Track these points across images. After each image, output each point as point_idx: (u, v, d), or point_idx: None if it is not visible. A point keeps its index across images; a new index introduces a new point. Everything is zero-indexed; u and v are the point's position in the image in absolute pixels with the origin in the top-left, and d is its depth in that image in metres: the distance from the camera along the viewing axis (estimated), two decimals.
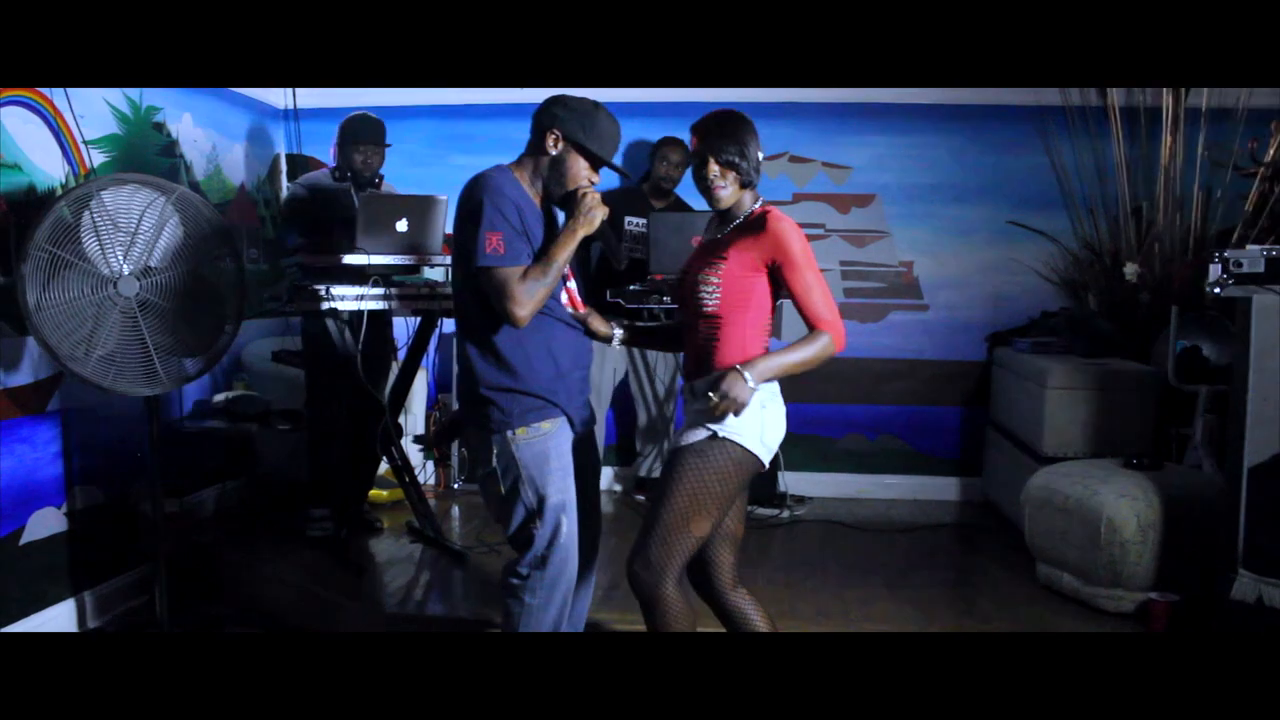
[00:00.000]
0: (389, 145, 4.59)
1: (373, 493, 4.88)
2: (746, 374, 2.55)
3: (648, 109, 5.30)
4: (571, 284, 2.90)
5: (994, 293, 5.58)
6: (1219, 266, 3.31)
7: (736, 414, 2.56)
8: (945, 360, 5.64)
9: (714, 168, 2.66)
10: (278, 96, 5.60)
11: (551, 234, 2.81)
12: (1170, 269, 5.07)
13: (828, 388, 5.59)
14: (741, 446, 2.60)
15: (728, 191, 2.68)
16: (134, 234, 3.24)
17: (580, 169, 2.77)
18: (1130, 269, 5.15)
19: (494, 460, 2.76)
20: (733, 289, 2.64)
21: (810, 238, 5.80)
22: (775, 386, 2.68)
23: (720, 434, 2.60)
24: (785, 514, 5.14)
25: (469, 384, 2.79)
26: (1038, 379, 4.65)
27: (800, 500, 5.32)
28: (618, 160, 2.91)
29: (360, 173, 4.50)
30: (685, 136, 5.12)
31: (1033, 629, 3.58)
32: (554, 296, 2.77)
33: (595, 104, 2.78)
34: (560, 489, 2.75)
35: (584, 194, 2.76)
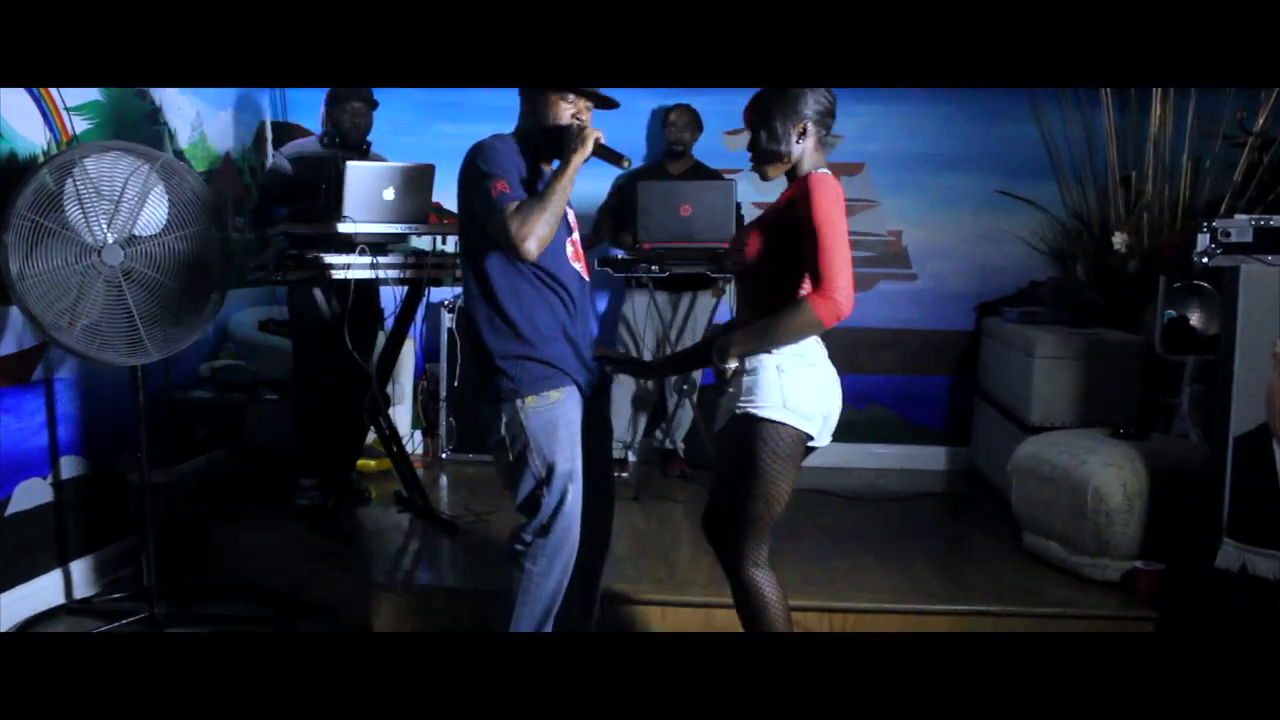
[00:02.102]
0: (377, 104, 4.56)
1: (360, 462, 4.88)
2: (714, 351, 2.63)
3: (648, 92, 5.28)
4: (575, 235, 2.90)
5: (982, 262, 5.58)
6: (1207, 236, 3.31)
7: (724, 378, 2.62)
8: (933, 330, 5.65)
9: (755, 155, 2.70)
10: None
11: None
12: (1158, 239, 5.07)
13: None
14: (765, 419, 2.57)
15: (765, 169, 2.70)
16: (118, 202, 3.22)
17: (561, 108, 2.76)
18: (1119, 238, 5.15)
19: (502, 429, 2.77)
20: (777, 253, 2.63)
21: None
22: (800, 348, 2.62)
23: (737, 412, 2.60)
24: None
25: (478, 354, 2.80)
26: (1026, 348, 4.66)
27: None
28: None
29: (349, 134, 4.47)
30: (692, 99, 5.18)
31: (1018, 599, 3.60)
32: (560, 251, 2.78)
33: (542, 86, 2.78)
34: (569, 457, 2.75)
35: (573, 125, 2.75)
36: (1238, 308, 3.32)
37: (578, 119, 2.78)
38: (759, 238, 2.67)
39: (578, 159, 2.69)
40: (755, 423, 2.57)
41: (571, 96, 2.77)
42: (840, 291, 2.51)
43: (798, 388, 2.59)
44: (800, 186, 2.58)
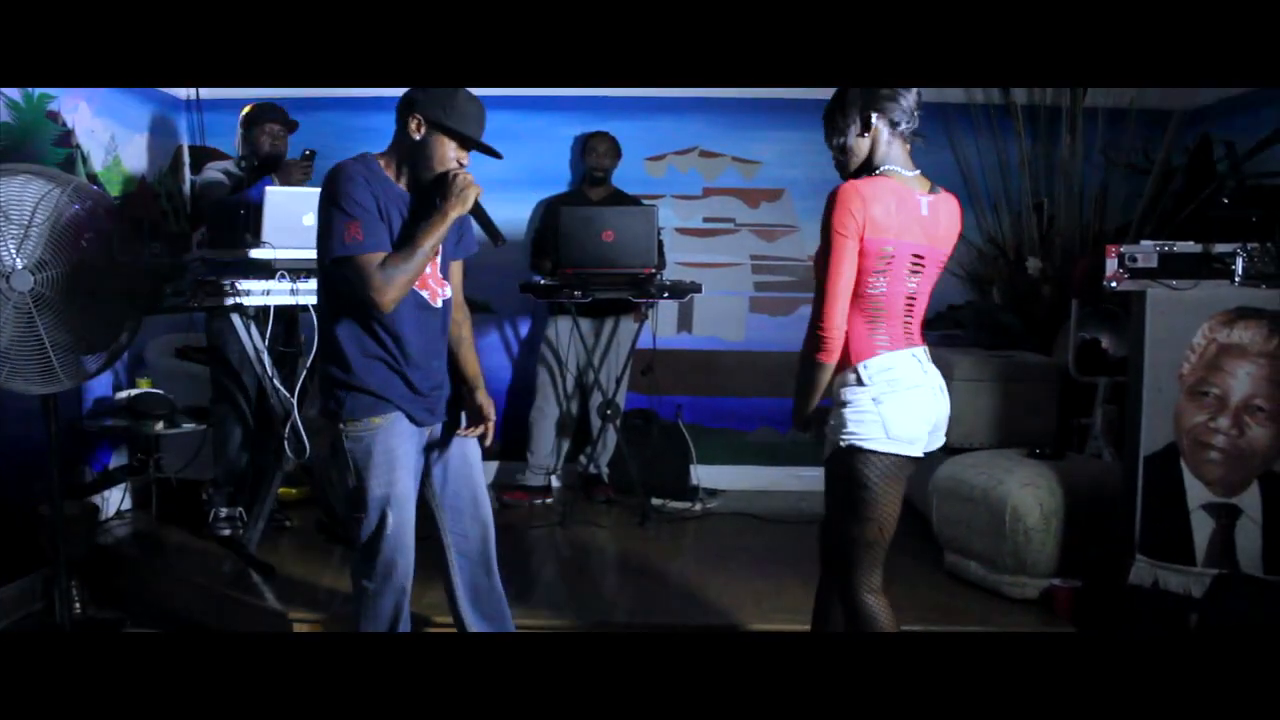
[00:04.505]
0: (296, 125, 4.52)
1: (280, 490, 4.79)
2: (795, 421, 2.73)
3: (572, 103, 5.32)
4: (428, 269, 2.78)
5: None
6: (1115, 261, 3.41)
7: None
8: None
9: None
10: (180, 87, 5.47)
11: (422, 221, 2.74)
12: (1070, 263, 5.20)
13: (739, 381, 5.65)
14: (866, 450, 2.52)
15: (839, 166, 2.64)
16: (27, 227, 3.14)
17: (447, 151, 2.70)
18: (1032, 263, 5.27)
19: (329, 446, 2.83)
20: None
21: (719, 232, 5.81)
22: (894, 374, 2.56)
23: (842, 444, 2.54)
24: (697, 507, 5.16)
25: (321, 368, 2.82)
26: (944, 371, 4.71)
27: (712, 493, 5.34)
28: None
29: (267, 157, 4.42)
30: (611, 128, 5.21)
31: (940, 618, 3.64)
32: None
33: (455, 87, 2.71)
34: (385, 483, 2.75)
35: (455, 175, 2.70)
36: (1145, 331, 3.42)
37: (460, 163, 2.73)
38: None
39: (454, 214, 2.67)
40: (860, 454, 2.53)
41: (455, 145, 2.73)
42: (819, 327, 2.51)
43: (897, 416, 2.54)
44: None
